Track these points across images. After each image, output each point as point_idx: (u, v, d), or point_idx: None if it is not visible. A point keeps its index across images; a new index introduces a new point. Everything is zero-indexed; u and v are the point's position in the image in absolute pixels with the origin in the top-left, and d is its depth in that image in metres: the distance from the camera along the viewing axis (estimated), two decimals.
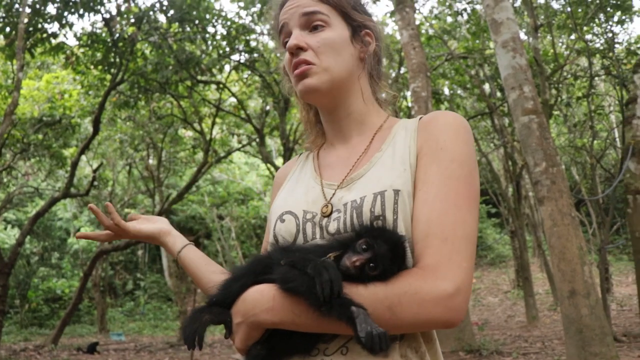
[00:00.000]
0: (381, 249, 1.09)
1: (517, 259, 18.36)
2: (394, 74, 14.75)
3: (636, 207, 9.49)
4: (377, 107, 1.44)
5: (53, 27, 10.12)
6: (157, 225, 1.59)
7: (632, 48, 13.50)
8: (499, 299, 21.17)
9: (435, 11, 16.21)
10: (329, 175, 1.38)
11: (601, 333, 5.09)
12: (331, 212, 1.26)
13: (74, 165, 12.62)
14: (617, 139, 20.57)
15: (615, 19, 13.38)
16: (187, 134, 18.24)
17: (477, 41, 13.88)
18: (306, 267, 1.06)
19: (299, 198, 1.36)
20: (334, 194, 1.30)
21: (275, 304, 1.12)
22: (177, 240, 1.56)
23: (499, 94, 14.53)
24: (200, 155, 17.36)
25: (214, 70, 12.69)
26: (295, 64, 1.32)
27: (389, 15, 15.00)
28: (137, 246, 24.19)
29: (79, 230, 23.93)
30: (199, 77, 12.49)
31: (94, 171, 14.93)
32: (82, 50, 11.61)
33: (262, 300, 1.14)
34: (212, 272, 1.47)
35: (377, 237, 1.11)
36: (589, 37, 13.83)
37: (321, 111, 1.45)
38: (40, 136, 13.83)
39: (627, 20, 13.53)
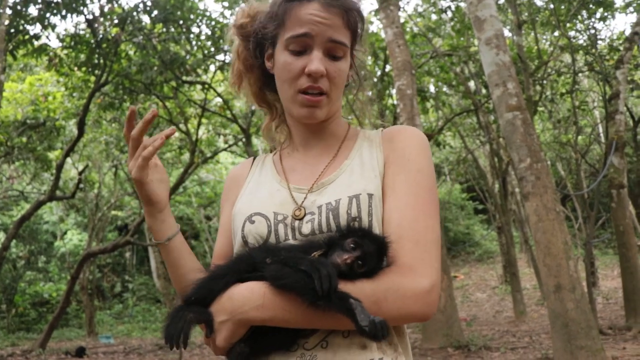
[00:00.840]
0: (369, 248, 1.16)
1: (505, 254, 18.49)
2: (379, 72, 14.79)
3: (620, 201, 9.61)
4: (341, 118, 1.52)
5: (35, 29, 10.04)
6: (166, 193, 1.45)
7: (614, 44, 13.63)
8: (487, 294, 21.31)
9: (420, 9, 16.29)
10: (296, 179, 1.43)
11: (587, 327, 5.15)
12: (304, 215, 1.32)
13: (59, 167, 12.52)
14: (602, 135, 20.78)
15: (598, 15, 13.50)
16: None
17: (462, 38, 13.94)
18: (299, 264, 1.11)
19: (264, 200, 1.40)
20: (305, 198, 1.36)
21: (266, 301, 1.16)
22: (167, 219, 1.44)
23: (484, 91, 14.60)
24: (186, 156, 17.28)
25: (199, 71, 12.64)
26: (313, 88, 1.34)
27: (373, 13, 15.01)
28: (124, 248, 24.05)
29: (65, 233, 23.87)
30: (184, 78, 12.44)
31: (80, 173, 14.81)
32: (65, 51, 11.52)
33: (252, 297, 1.17)
34: (196, 269, 1.43)
35: (363, 237, 1.18)
36: (572, 33, 13.94)
37: (296, 122, 1.47)
38: (24, 139, 13.70)
39: (609, 16, 13.66)
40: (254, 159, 1.62)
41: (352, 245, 1.16)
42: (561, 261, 5.15)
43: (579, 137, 16.73)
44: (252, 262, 1.22)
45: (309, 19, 1.33)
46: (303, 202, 1.35)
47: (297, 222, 1.31)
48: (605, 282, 19.39)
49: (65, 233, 23.58)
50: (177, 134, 17.81)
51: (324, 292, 1.07)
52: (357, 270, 1.15)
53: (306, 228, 1.30)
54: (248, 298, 1.17)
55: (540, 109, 14.76)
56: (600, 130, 20.71)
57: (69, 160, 17.45)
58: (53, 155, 16.15)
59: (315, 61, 1.32)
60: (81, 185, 17.23)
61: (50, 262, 23.38)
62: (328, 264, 1.11)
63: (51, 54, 11.18)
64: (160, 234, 1.43)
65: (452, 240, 27.11)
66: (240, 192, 1.52)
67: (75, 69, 11.66)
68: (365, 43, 1.53)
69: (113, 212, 22.50)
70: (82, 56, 11.22)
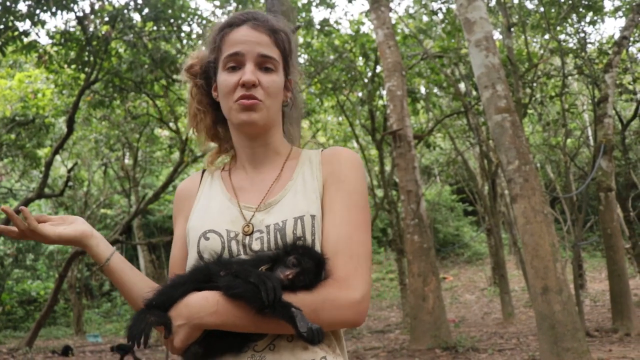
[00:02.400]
0: (308, 264, 1.33)
1: (493, 256, 18.57)
2: (370, 73, 14.81)
3: (608, 204, 9.68)
4: (284, 139, 1.66)
5: (25, 25, 9.94)
6: (78, 227, 1.60)
7: (603, 48, 13.73)
8: (475, 296, 21.39)
9: (411, 10, 16.32)
10: (246, 198, 1.55)
11: (573, 329, 5.18)
12: (252, 232, 1.46)
13: (48, 165, 12.43)
14: (590, 138, 20.92)
15: (587, 19, 13.60)
16: (163, 133, 18.09)
17: (453, 40, 13.98)
18: (248, 277, 1.27)
19: (216, 217, 1.53)
20: (253, 216, 1.49)
21: (219, 308, 1.31)
22: (101, 244, 1.61)
23: (474, 93, 14.66)
24: (176, 155, 17.23)
25: None
26: (247, 96, 1.47)
27: (364, 14, 15.04)
28: (114, 246, 23.89)
29: None
30: (174, 77, 12.39)
31: (69, 171, 14.71)
32: (55, 48, 11.43)
33: (207, 305, 1.32)
34: (141, 282, 1.60)
35: (303, 254, 1.34)
36: (562, 37, 14.03)
37: (242, 137, 1.60)
38: (13, 136, 13.59)
39: (598, 20, 13.77)
40: (203, 172, 1.74)
41: (293, 262, 1.33)
42: (549, 263, 5.18)
43: (568, 140, 16.83)
44: (208, 274, 1.36)
45: (240, 40, 1.51)
46: (251, 219, 1.48)
47: (247, 238, 1.46)
48: (593, 285, 19.53)
49: None
50: (167, 133, 17.75)
51: (270, 301, 1.23)
52: (298, 284, 1.31)
53: (256, 245, 1.44)
54: (203, 305, 1.32)
55: (530, 111, 14.83)
56: (589, 133, 20.86)
57: (58, 157, 17.34)
58: (42, 152, 16.03)
59: (248, 72, 1.47)
60: (70, 183, 17.12)
61: (38, 260, 23.22)
62: (273, 277, 1.27)
63: (41, 50, 11.09)
64: (99, 258, 1.60)
65: (441, 241, 27.20)
66: (193, 206, 1.63)
67: (65, 66, 11.58)
68: (296, 65, 1.68)
69: (102, 211, 22.38)
70: (72, 53, 11.14)
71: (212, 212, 1.55)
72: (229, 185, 1.62)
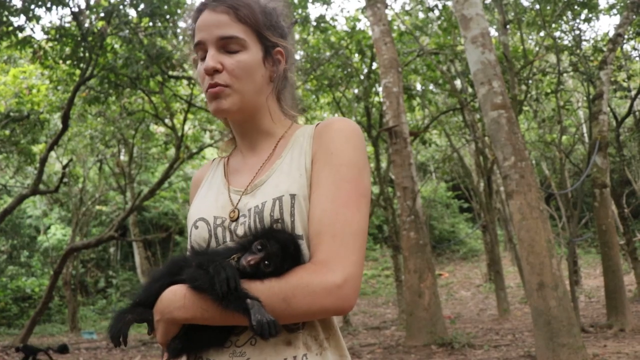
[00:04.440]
0: (273, 248, 1.22)
1: (489, 253, 18.62)
2: (365, 70, 14.80)
3: (603, 200, 9.72)
4: (283, 119, 1.54)
5: (19, 20, 9.92)
6: None
7: (598, 46, 13.76)
8: (471, 292, 21.46)
9: (407, 7, 16.31)
10: (236, 181, 1.49)
11: (568, 324, 5.20)
12: (238, 217, 1.37)
13: (43, 161, 12.39)
14: (585, 135, 20.99)
15: (582, 16, 13.63)
16: (158, 129, 18.04)
17: (449, 37, 13.99)
18: (208, 267, 1.21)
19: (210, 204, 1.46)
20: (239, 200, 1.41)
21: (186, 302, 1.25)
22: None
23: (470, 90, 14.67)
24: (172, 152, 17.18)
25: (185, 66, 12.57)
26: (212, 85, 1.39)
27: (360, 11, 15.02)
28: (109, 243, 23.89)
29: (49, 228, 23.64)
30: (170, 73, 12.36)
31: (64, 167, 14.67)
32: (50, 44, 11.39)
33: (174, 299, 1.27)
34: None
35: (270, 238, 1.24)
36: (557, 34, 14.05)
37: (231, 123, 1.54)
38: (7, 132, 13.54)
39: (593, 18, 13.79)
40: (214, 160, 1.68)
41: (258, 247, 1.23)
42: (544, 259, 5.19)
43: (563, 137, 16.88)
44: (183, 265, 1.31)
45: (200, 26, 1.42)
46: (238, 203, 1.40)
47: (232, 224, 1.37)
48: (587, 281, 19.61)
49: (48, 227, 23.39)
50: (162, 129, 17.72)
51: (223, 292, 1.16)
52: (264, 270, 1.22)
53: (240, 230, 1.35)
54: (172, 300, 1.27)
55: (525, 108, 14.86)
56: (584, 130, 20.92)
57: (53, 154, 17.28)
58: (37, 148, 15.97)
59: (207, 60, 1.39)
60: (65, 180, 17.07)
61: (33, 257, 23.16)
62: (228, 267, 1.19)
63: (35, 46, 11.04)
64: None
65: (437, 238, 27.26)
66: (196, 195, 1.59)
67: (60, 62, 11.53)
68: (285, 31, 1.52)
69: (97, 207, 22.34)
70: (67, 49, 11.10)
71: (208, 200, 1.49)
72: (226, 170, 1.56)
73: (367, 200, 1.37)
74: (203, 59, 1.41)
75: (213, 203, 1.46)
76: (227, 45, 1.40)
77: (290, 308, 1.20)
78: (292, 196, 1.34)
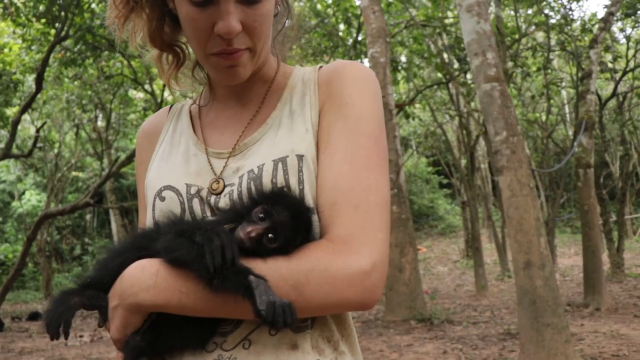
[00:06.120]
0: (281, 216, 0.93)
1: (467, 229, 18.68)
2: (350, 40, 14.52)
3: (586, 180, 9.68)
4: (271, 58, 1.21)
5: None
6: None
7: (587, 26, 13.65)
8: (448, 268, 21.59)
9: None
10: (217, 140, 1.16)
11: (554, 304, 5.13)
12: (223, 189, 1.06)
13: (15, 124, 11.96)
14: (567, 115, 21.04)
15: None
16: (137, 95, 17.61)
17: (438, 9, 13.76)
18: (194, 235, 0.90)
19: (177, 169, 1.14)
20: (225, 166, 1.10)
21: (158, 281, 0.93)
22: None
23: (456, 65, 14.51)
24: None
25: (167, 29, 12.17)
26: (227, 51, 1.04)
27: None
28: (85, 211, 23.52)
29: (23, 193, 23.18)
30: (145, 57, 11.96)
31: (37, 130, 14.24)
32: (22, 0, 10.90)
33: (142, 276, 0.95)
34: None
35: (276, 203, 0.95)
36: (546, 11, 13.90)
37: None
38: None
39: None
40: (170, 107, 1.32)
41: (260, 214, 0.94)
42: (532, 238, 5.09)
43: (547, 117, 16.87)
44: (156, 237, 0.98)
45: None
46: (223, 171, 1.09)
47: (213, 198, 1.06)
48: (562, 260, 19.83)
49: (23, 193, 22.93)
50: (141, 95, 17.30)
51: (216, 267, 0.86)
52: (268, 246, 0.93)
53: (224, 202, 1.05)
54: (138, 277, 0.95)
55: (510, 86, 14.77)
56: (567, 110, 20.96)
57: (27, 118, 16.82)
58: (10, 112, 15.49)
59: (226, 18, 1.00)
60: (40, 144, 16.63)
61: (6, 223, 22.78)
62: (223, 232, 0.90)
63: (7, 1, 10.56)
64: None
65: (415, 213, 27.36)
66: (153, 154, 1.23)
67: (34, 20, 11.06)
68: None
69: (74, 173, 21.95)
70: (41, 6, 10.62)
71: (173, 163, 1.15)
72: (198, 124, 1.22)
73: (387, 164, 1.08)
74: (202, 3, 1.00)
75: (182, 166, 1.13)
76: None
77: (301, 298, 0.91)
78: (299, 157, 1.04)
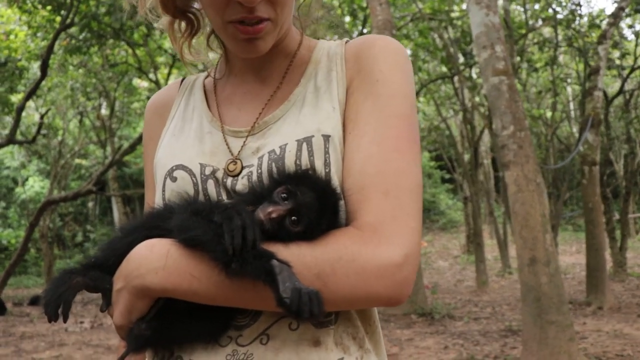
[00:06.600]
0: (306, 197, 0.86)
1: (469, 224, 18.63)
2: (356, 33, 14.45)
3: (591, 178, 9.63)
4: (293, 30, 1.14)
5: None
6: None
7: (595, 21, 13.54)
8: (449, 263, 21.58)
9: None
10: (234, 117, 1.08)
11: (559, 301, 5.11)
12: (241, 170, 0.99)
13: (20, 110, 11.93)
14: (572, 112, 20.94)
15: None
16: (141, 84, 17.57)
17: (444, 3, 13.68)
18: (211, 214, 0.83)
19: (190, 147, 1.06)
20: (243, 145, 1.02)
21: (168, 262, 0.86)
22: None
23: (461, 59, 14.43)
24: None
25: None
26: (248, 19, 0.96)
27: None
28: (87, 197, 23.54)
29: (27, 179, 23.19)
30: (155, 25, 11.90)
31: (41, 117, 14.23)
32: None
33: (151, 257, 0.88)
34: None
35: (300, 183, 0.88)
36: (553, 6, 13.81)
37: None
38: None
39: None
40: (182, 81, 1.23)
41: (282, 194, 0.86)
42: (538, 234, 5.05)
43: (549, 114, 16.79)
44: (167, 217, 0.91)
45: None
46: (240, 151, 1.01)
47: (230, 180, 0.99)
48: (563, 258, 19.80)
49: (26, 179, 22.95)
50: (145, 84, 17.23)
51: (236, 248, 0.78)
52: (291, 230, 0.85)
53: (242, 185, 0.98)
54: (146, 257, 0.88)
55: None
56: (571, 107, 20.85)
57: (32, 104, 16.79)
58: (15, 98, 15.47)
59: None
60: (44, 131, 16.61)
61: (9, 209, 22.82)
62: (245, 212, 0.82)
63: None
64: None
65: None
66: (163, 130, 1.15)
67: (40, 7, 11.01)
68: None
69: (77, 161, 21.93)
70: None
71: (184, 140, 1.07)
72: (212, 99, 1.13)
73: (419, 146, 1.00)
74: None
75: (195, 145, 1.05)
76: None
77: (326, 289, 0.82)
78: (326, 137, 0.96)
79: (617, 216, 16.36)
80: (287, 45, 1.10)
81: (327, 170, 0.94)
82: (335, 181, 0.94)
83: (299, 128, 0.98)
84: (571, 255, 20.31)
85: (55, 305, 0.88)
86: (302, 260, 0.84)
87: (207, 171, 1.00)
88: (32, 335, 9.25)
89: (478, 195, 15.58)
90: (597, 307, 9.27)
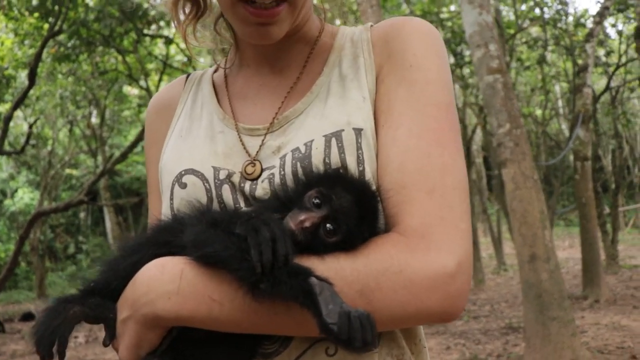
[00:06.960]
0: (342, 201, 0.75)
1: None
2: None
3: (584, 173, 9.68)
4: (313, 16, 1.04)
5: None
6: None
7: (580, 21, 13.70)
8: None
9: None
10: (249, 114, 0.96)
11: (559, 297, 5.12)
12: (260, 173, 0.88)
13: (7, 120, 11.83)
14: (561, 109, 21.10)
15: None
16: (132, 91, 17.48)
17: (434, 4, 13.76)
18: (231, 226, 0.71)
19: (199, 148, 0.94)
20: (262, 145, 0.90)
21: (182, 285, 0.73)
22: None
23: (452, 59, 14.50)
24: (145, 114, 16.72)
25: (162, 23, 12.06)
26: (263, 4, 0.86)
27: None
28: (79, 208, 23.37)
29: (16, 191, 22.97)
30: (145, 30, 11.85)
31: (30, 127, 14.11)
32: None
33: (162, 279, 0.75)
34: None
35: (333, 185, 0.76)
36: (541, 7, 13.96)
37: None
38: None
39: None
40: (187, 77, 1.11)
41: (315, 199, 0.75)
42: (537, 231, 5.08)
43: (539, 112, 16.91)
44: (178, 230, 0.78)
45: None
46: (259, 151, 0.90)
47: (248, 184, 0.87)
48: (557, 253, 19.90)
49: (15, 191, 22.74)
50: (136, 91, 17.15)
51: (265, 266, 0.65)
52: (327, 240, 0.74)
53: (261, 189, 0.86)
54: (156, 279, 0.75)
55: None
56: (560, 104, 21.01)
57: (20, 114, 16.66)
58: (3, 108, 15.34)
59: None
60: (33, 141, 16.48)
61: None
62: (273, 221, 0.70)
63: None
64: None
65: None
66: (168, 132, 1.03)
67: (27, 13, 10.92)
68: None
69: (67, 171, 21.77)
70: (34, 0, 10.49)
71: (193, 141, 0.96)
72: (224, 95, 1.01)
73: (461, 138, 0.90)
74: None
75: (206, 146, 0.94)
76: None
77: (370, 307, 0.69)
78: (357, 131, 0.84)
79: (607, 210, 16.48)
80: (306, 32, 1.00)
81: (360, 169, 0.83)
82: (370, 181, 0.84)
83: (326, 122, 0.87)
84: (564, 250, 20.40)
85: (49, 341, 0.77)
86: (342, 274, 0.72)
87: (222, 175, 0.89)
88: (24, 353, 8.91)
89: (471, 194, 15.62)
90: (594, 300, 9.32)
